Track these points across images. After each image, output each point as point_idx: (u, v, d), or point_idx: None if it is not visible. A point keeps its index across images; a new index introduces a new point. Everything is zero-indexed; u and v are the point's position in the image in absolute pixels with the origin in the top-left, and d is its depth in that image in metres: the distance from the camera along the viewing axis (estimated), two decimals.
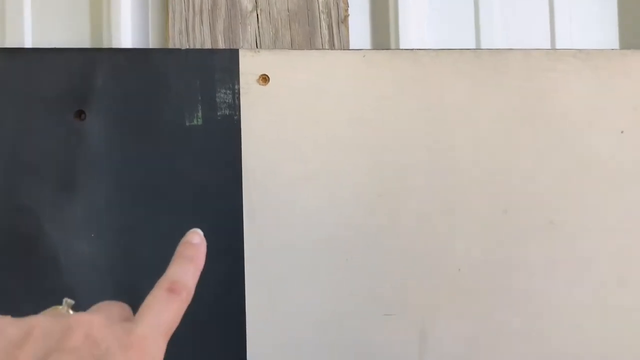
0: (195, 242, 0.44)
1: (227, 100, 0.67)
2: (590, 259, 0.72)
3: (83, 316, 0.35)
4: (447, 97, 0.71)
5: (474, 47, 0.80)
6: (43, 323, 0.33)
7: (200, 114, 0.67)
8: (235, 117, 0.68)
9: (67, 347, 0.32)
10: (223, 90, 0.67)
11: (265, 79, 0.68)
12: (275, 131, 0.68)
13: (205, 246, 0.43)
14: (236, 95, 0.68)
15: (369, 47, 0.78)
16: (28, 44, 0.72)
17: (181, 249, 0.43)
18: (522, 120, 0.73)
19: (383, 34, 0.78)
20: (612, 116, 0.74)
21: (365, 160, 0.69)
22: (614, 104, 0.74)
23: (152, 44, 0.74)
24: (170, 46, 0.71)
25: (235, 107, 0.68)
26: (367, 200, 0.69)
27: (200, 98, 0.67)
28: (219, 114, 0.67)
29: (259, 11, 0.73)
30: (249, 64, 0.68)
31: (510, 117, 0.72)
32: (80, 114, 0.66)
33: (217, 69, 0.68)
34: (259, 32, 0.73)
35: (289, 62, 0.69)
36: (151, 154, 0.67)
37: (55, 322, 0.33)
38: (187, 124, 0.67)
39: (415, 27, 0.77)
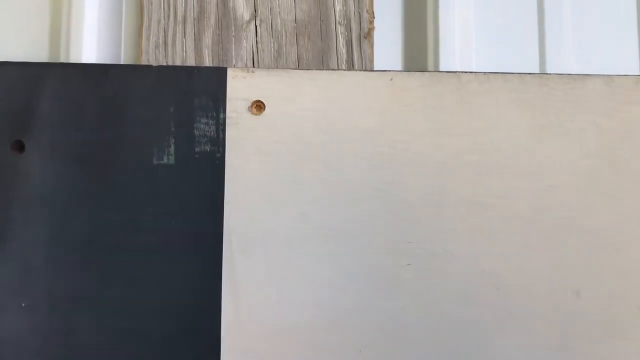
0: None
1: (208, 133, 0.54)
2: None
3: None
4: (499, 136, 0.57)
5: (537, 71, 0.65)
6: None
7: (172, 150, 0.54)
8: (218, 155, 0.55)
9: None
10: (204, 120, 0.55)
11: (259, 106, 0.56)
12: (269, 176, 0.55)
13: None
14: (221, 126, 0.55)
15: (399, 68, 0.64)
16: None
17: None
18: (602, 168, 0.58)
19: (418, 53, 0.64)
20: None
21: (388, 219, 0.55)
22: None
23: (124, 61, 0.62)
24: (143, 62, 0.58)
25: (219, 142, 0.55)
26: (388, 274, 0.55)
27: (173, 129, 0.55)
28: (197, 150, 0.54)
29: (258, 21, 0.61)
30: (240, 87, 0.56)
31: (586, 165, 0.57)
32: (17, 145, 0.54)
33: (198, 93, 0.55)
34: (257, 47, 0.61)
35: (291, 86, 0.56)
36: (107, 200, 0.54)
37: None
38: (155, 162, 0.54)
39: (461, 45, 0.63)
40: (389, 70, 0.58)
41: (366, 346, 0.54)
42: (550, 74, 0.59)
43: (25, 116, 0.55)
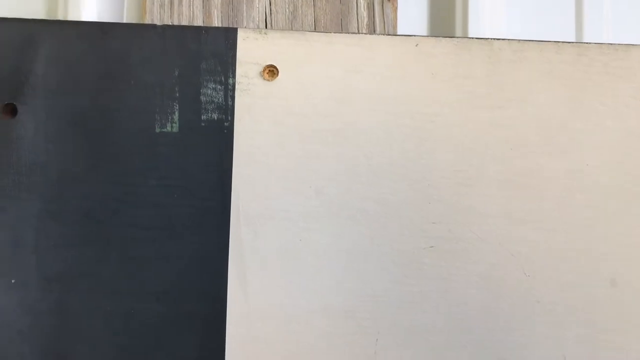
0: None
1: (216, 100, 0.50)
2: None
3: None
4: (533, 110, 0.52)
5: (573, 40, 0.60)
6: None
7: (176, 117, 0.50)
8: (227, 124, 0.50)
9: None
10: (211, 85, 0.50)
11: (272, 72, 0.51)
12: (281, 148, 0.50)
13: None
14: (229, 93, 0.50)
15: (424, 33, 0.59)
16: None
17: None
18: None
19: (445, 18, 0.59)
20: None
21: (409, 197, 0.51)
22: None
23: (126, 20, 0.57)
24: (147, 22, 0.54)
25: (228, 109, 0.50)
26: (409, 257, 0.51)
27: (178, 95, 0.50)
28: (203, 118, 0.50)
29: None
30: (251, 50, 0.51)
31: (626, 143, 0.53)
32: (10, 109, 0.50)
33: (205, 55, 0.50)
34: (270, 8, 0.55)
35: (307, 50, 0.51)
36: (105, 171, 0.50)
37: None
38: (158, 130, 0.50)
39: (492, 9, 0.58)
40: (414, 35, 0.53)
41: (384, 334, 0.50)
42: (589, 43, 0.54)
43: (18, 77, 0.50)
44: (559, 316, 0.51)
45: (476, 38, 0.53)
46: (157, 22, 0.54)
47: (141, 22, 0.56)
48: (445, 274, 0.51)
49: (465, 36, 0.58)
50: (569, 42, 0.54)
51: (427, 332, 0.51)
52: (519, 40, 0.53)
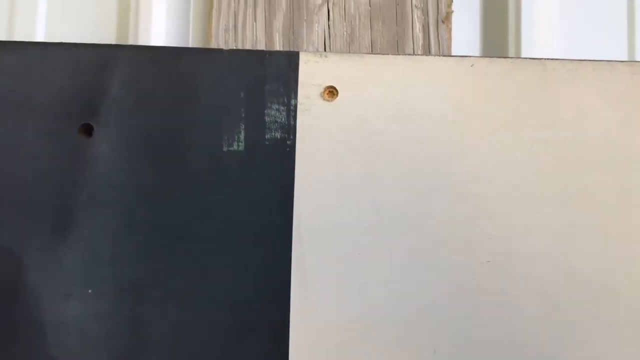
0: None
1: (279, 120, 0.52)
2: None
3: None
4: (587, 128, 0.53)
5: (626, 59, 0.61)
6: None
7: (242, 137, 0.52)
8: (289, 143, 0.52)
9: None
10: (275, 106, 0.52)
11: (332, 92, 0.53)
12: (341, 165, 0.52)
13: None
14: (292, 112, 0.52)
15: (477, 54, 0.60)
16: (39, 37, 0.60)
17: None
18: None
19: (498, 38, 0.61)
20: None
21: (466, 213, 0.52)
22: None
23: (192, 44, 0.60)
24: (213, 46, 0.57)
25: (290, 128, 0.52)
26: (465, 271, 0.52)
27: (243, 115, 0.52)
28: (267, 137, 0.52)
29: (331, 4, 0.58)
30: (312, 72, 0.53)
31: None
32: (86, 129, 0.53)
33: (269, 77, 0.53)
34: (329, 31, 0.58)
35: (366, 71, 0.53)
36: (176, 187, 0.53)
37: None
38: (225, 149, 0.52)
39: (544, 30, 0.59)
40: (470, 56, 0.54)
41: (441, 346, 0.52)
42: None
43: (94, 99, 0.54)
44: (619, 332, 0.52)
45: (530, 58, 0.55)
46: (223, 45, 0.57)
47: (207, 45, 0.59)
48: (501, 289, 0.52)
49: (517, 56, 0.60)
50: (623, 61, 0.55)
51: (484, 346, 0.52)
52: (572, 60, 0.54)
